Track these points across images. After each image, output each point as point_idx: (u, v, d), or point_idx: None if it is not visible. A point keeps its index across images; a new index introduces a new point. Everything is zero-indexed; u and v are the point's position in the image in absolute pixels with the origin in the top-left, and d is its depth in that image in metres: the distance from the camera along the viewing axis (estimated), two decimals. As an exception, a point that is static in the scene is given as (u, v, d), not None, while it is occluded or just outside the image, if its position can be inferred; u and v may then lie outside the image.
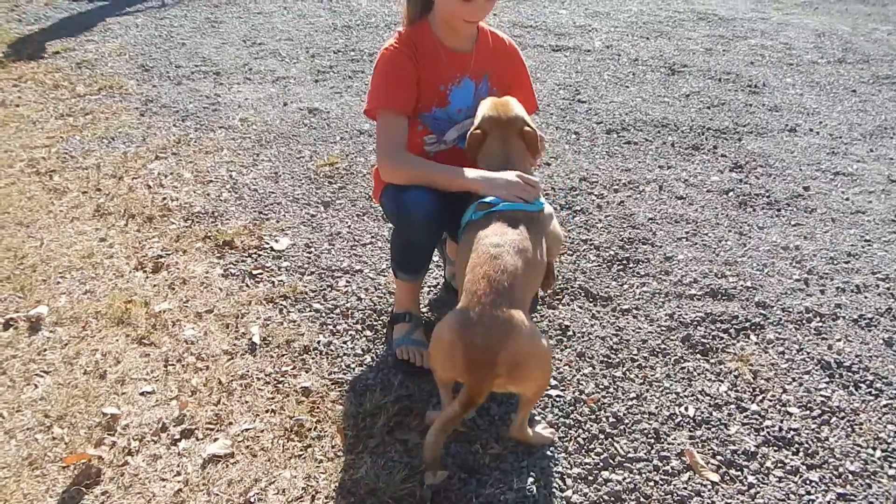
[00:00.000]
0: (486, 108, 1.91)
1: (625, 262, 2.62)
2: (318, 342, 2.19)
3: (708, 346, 2.21)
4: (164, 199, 2.99)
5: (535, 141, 1.89)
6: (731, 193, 3.11)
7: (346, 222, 2.83)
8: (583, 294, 2.44)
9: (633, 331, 2.27)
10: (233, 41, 5.01)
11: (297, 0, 6.05)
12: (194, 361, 2.11)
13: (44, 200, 2.97)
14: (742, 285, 2.50)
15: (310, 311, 2.33)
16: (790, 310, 2.38)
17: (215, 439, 1.84)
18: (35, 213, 2.88)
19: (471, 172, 1.84)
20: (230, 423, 1.89)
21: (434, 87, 1.97)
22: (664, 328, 2.28)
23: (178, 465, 1.77)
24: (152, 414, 1.92)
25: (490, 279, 1.60)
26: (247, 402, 1.96)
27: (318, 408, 1.94)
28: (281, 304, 2.36)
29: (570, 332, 2.25)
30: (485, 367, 1.54)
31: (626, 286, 2.49)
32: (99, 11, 5.65)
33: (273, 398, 1.98)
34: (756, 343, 2.23)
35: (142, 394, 1.99)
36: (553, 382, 2.03)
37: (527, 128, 1.87)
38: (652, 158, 3.41)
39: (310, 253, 2.63)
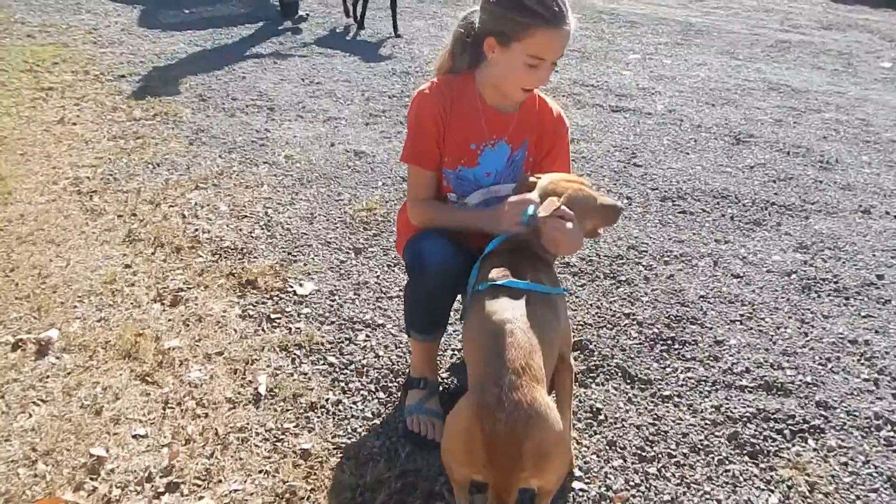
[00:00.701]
0: (557, 177, 1.75)
1: (669, 342, 2.40)
2: (327, 399, 2.04)
3: (758, 447, 1.96)
4: (196, 230, 2.92)
5: (546, 209, 1.65)
6: (793, 276, 2.86)
7: (376, 271, 2.70)
8: (620, 374, 2.23)
9: (674, 421, 2.04)
10: (291, 78, 5.04)
11: (360, 43, 6.10)
12: (194, 407, 1.98)
13: (79, 220, 2.94)
14: (801, 380, 2.25)
15: (323, 363, 2.18)
16: (856, 414, 2.11)
17: (200, 497, 1.69)
18: (68, 232, 2.85)
19: (478, 214, 1.81)
20: (219, 481, 1.74)
21: (464, 145, 1.84)
22: (708, 422, 2.05)
23: (157, 523, 1.63)
24: (140, 460, 1.79)
25: (505, 359, 1.43)
26: (241, 458, 1.81)
27: (315, 474, 1.77)
28: (294, 354, 2.22)
29: (602, 417, 2.04)
30: (510, 459, 1.37)
31: (668, 370, 2.27)
32: (170, 39, 5.80)
33: (269, 458, 1.82)
34: (814, 449, 1.98)
35: (134, 436, 1.87)
36: (577, 473, 1.82)
37: (551, 197, 1.65)
38: (708, 231, 3.19)
39: (333, 301, 2.50)
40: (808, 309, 2.64)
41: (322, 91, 4.82)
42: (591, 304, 2.58)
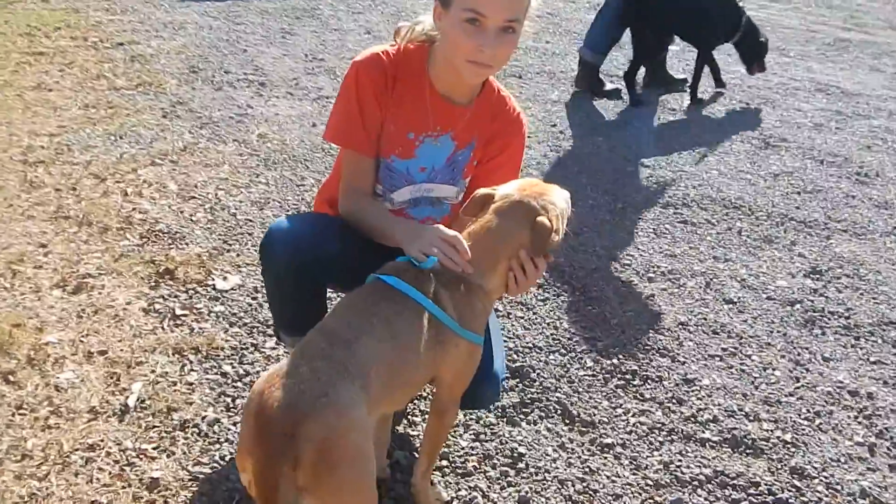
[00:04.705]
0: (518, 184, 1.43)
1: (629, 376, 2.04)
2: (203, 418, 1.76)
3: (705, 521, 1.61)
4: (134, 209, 2.68)
5: (544, 240, 1.33)
6: (797, 306, 2.45)
7: (309, 269, 2.41)
8: (559, 412, 1.89)
9: (608, 478, 1.70)
10: (295, 54, 4.78)
11: (381, 21, 5.80)
12: (48, 416, 1.73)
13: (12, 192, 2.73)
14: (778, 438, 1.87)
15: (215, 372, 1.91)
16: (838, 487, 1.73)
17: (12, 529, 1.44)
18: (-5, 204, 2.64)
19: (402, 223, 1.51)
20: (40, 512, 1.48)
21: (401, 133, 1.56)
22: (650, 483, 1.70)
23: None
24: (-39, 477, 1.55)
25: (326, 329, 1.19)
26: (76, 484, 1.56)
27: (153, 512, 1.50)
28: (187, 359, 1.95)
29: (522, 464, 1.71)
30: (279, 442, 1.03)
31: (619, 411, 1.92)
32: (185, 10, 5.60)
33: (109, 485, 1.56)
34: (776, 529, 1.61)
35: (-32, 446, 1.63)
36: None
37: (540, 218, 1.33)
38: (708, 246, 2.80)
39: (254, 299, 2.23)
40: (807, 348, 2.24)
41: (322, 68, 4.54)
42: (547, 324, 2.24)
